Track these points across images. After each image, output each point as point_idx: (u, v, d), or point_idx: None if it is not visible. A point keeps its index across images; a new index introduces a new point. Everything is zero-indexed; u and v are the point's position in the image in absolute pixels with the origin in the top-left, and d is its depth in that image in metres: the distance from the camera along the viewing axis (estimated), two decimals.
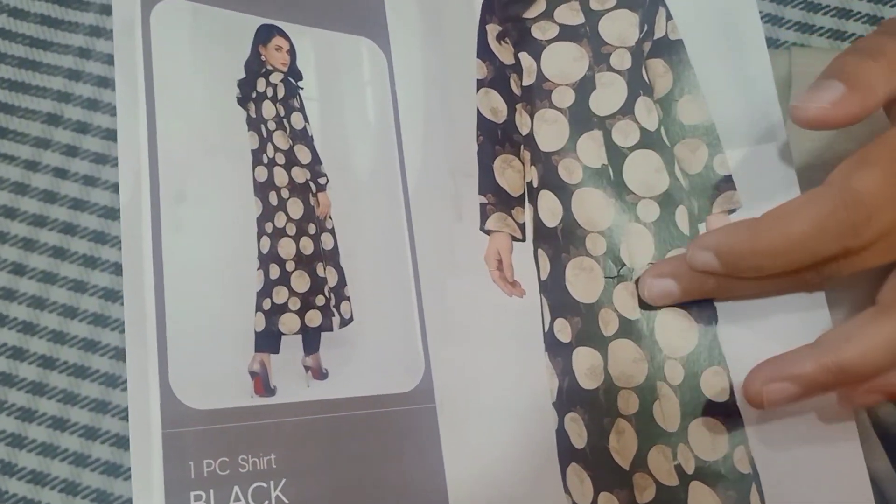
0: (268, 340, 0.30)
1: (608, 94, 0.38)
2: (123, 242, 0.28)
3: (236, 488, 0.27)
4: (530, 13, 0.40)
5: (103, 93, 0.33)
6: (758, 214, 0.37)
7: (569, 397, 0.35)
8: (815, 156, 0.42)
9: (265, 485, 0.28)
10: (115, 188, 0.32)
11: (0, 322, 0.32)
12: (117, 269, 0.31)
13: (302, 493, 0.28)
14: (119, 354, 0.31)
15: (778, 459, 0.35)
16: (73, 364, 0.32)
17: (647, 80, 0.39)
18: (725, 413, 0.35)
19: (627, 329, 0.36)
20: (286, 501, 0.28)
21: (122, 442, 0.30)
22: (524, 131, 0.38)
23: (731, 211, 0.38)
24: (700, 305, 0.37)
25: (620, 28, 0.39)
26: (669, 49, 0.39)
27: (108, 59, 0.35)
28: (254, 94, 0.32)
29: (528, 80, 0.39)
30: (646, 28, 0.39)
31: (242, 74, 0.30)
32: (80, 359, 0.31)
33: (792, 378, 0.30)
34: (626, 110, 0.38)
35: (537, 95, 0.38)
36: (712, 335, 0.37)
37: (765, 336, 0.37)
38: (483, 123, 0.38)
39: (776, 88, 0.39)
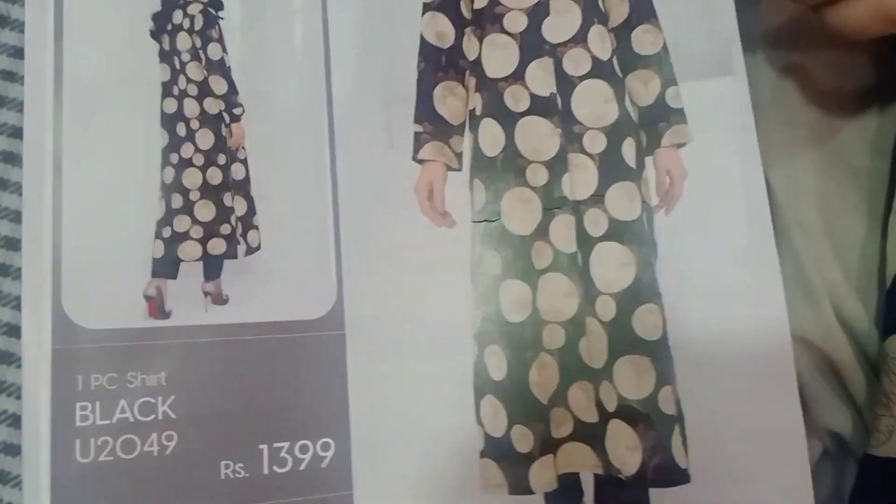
0: (165, 266, 0.31)
1: (562, 21, 0.36)
2: (25, 161, 0.29)
3: (123, 402, 0.29)
4: None
5: (12, 8, 0.33)
6: (710, 148, 0.35)
7: (492, 329, 0.34)
8: (773, 90, 0.39)
9: (153, 400, 0.29)
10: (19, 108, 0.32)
11: None
12: (17, 216, 0.32)
13: (190, 409, 0.30)
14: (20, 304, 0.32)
15: (709, 401, 0.33)
16: None
17: (603, 9, 0.37)
18: (656, 352, 0.34)
19: (561, 263, 0.35)
20: (174, 416, 0.29)
21: (5, 357, 0.32)
22: (471, 56, 0.37)
23: (681, 145, 0.35)
24: (640, 240, 0.35)
25: None
26: None
27: None
28: (169, 27, 0.32)
29: (479, 3, 0.37)
30: None
31: (158, 7, 0.31)
32: None
33: None
34: (579, 38, 0.36)
35: (488, 19, 0.37)
36: (650, 272, 0.35)
37: (708, 271, 0.35)
38: (426, 49, 0.37)
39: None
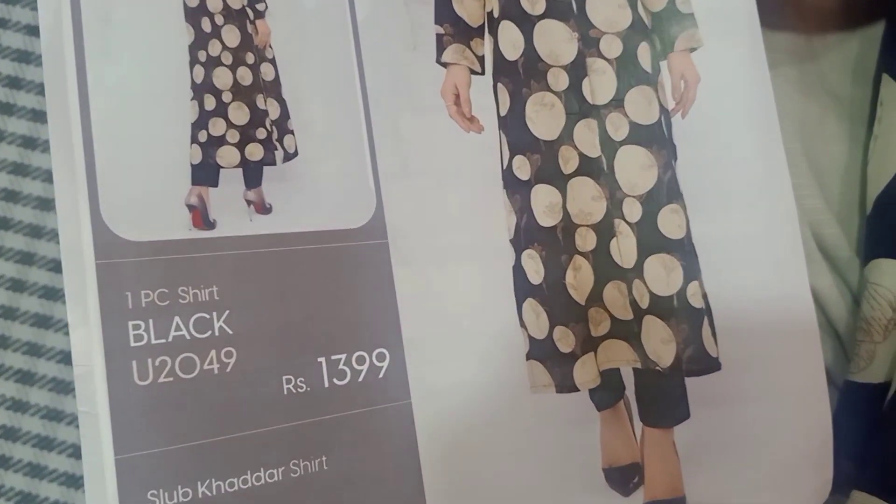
0: (205, 173, 0.28)
1: None
2: (45, 66, 0.26)
3: (177, 318, 0.26)
4: None
5: None
6: (721, 54, 0.36)
7: (526, 234, 0.34)
8: (797, 12, 0.40)
9: (207, 315, 0.27)
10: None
11: None
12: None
13: (246, 324, 0.28)
14: (43, 204, 0.29)
15: (730, 298, 0.35)
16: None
17: None
18: (681, 250, 0.35)
19: (587, 166, 0.35)
20: (230, 332, 0.27)
21: (50, 293, 0.29)
22: None
23: (693, 49, 0.36)
24: (660, 143, 0.35)
25: None
26: None
27: None
28: None
29: None
30: None
31: None
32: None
33: None
34: None
35: None
36: (671, 173, 0.35)
37: (723, 173, 0.36)
38: None
39: None
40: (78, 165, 0.26)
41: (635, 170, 0.35)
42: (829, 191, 0.38)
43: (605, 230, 0.35)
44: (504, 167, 0.34)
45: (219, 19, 0.29)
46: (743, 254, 0.35)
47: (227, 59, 0.29)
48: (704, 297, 0.35)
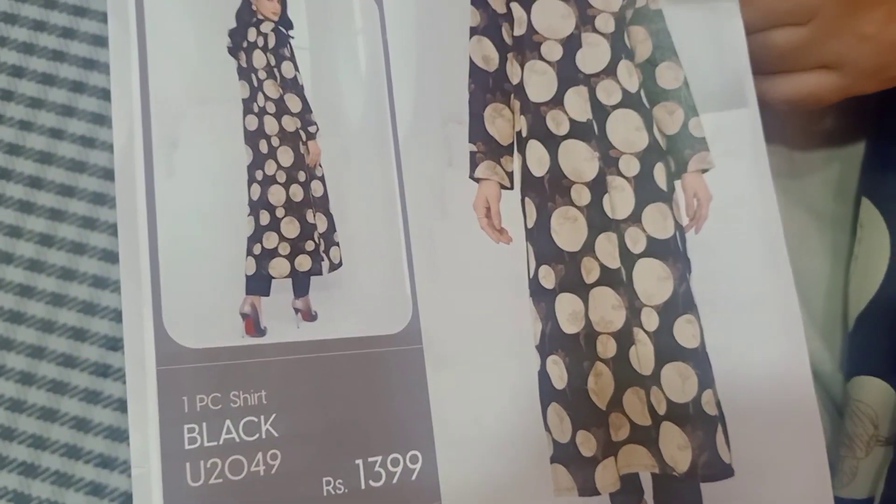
0: (258, 283, 0.30)
1: (593, 54, 0.38)
2: (117, 187, 0.28)
3: (228, 422, 0.28)
4: None
5: (99, 52, 0.33)
6: (730, 174, 0.38)
7: (551, 341, 0.36)
8: (778, 135, 0.43)
9: (255, 419, 0.28)
10: (111, 149, 0.32)
11: None
12: (115, 230, 0.31)
13: (292, 427, 0.29)
14: (117, 316, 0.31)
15: (741, 403, 0.36)
16: (71, 326, 0.32)
17: (629, 45, 0.39)
18: (695, 359, 0.36)
19: (608, 277, 0.37)
20: (276, 434, 0.29)
21: (121, 406, 0.31)
22: (514, 81, 0.38)
23: (705, 170, 0.38)
24: (675, 257, 0.37)
25: None
26: (650, 17, 0.39)
27: (103, 18, 0.34)
28: (244, 44, 0.32)
29: (518, 30, 0.38)
30: None
31: (233, 24, 0.30)
32: (78, 321, 0.32)
33: None
34: (610, 71, 0.38)
35: (527, 46, 0.38)
36: (686, 285, 0.37)
37: (733, 288, 0.37)
38: (475, 71, 0.38)
39: None
40: (144, 278, 0.28)
41: (652, 281, 0.37)
42: (812, 306, 0.40)
43: (624, 338, 0.36)
44: (531, 276, 0.36)
45: (275, 141, 0.32)
46: (753, 363, 0.37)
47: (282, 177, 0.31)
48: (718, 404, 0.36)
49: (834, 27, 0.35)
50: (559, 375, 0.35)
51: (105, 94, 0.32)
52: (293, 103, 0.32)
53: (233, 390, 0.28)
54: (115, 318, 0.30)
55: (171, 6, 0.31)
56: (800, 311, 0.38)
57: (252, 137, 0.31)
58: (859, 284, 0.39)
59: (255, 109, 0.31)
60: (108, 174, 0.32)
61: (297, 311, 0.31)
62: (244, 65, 0.32)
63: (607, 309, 0.37)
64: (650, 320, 0.37)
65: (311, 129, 0.33)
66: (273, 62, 0.32)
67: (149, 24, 0.30)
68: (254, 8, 0.32)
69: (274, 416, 0.29)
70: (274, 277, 0.30)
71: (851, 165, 0.42)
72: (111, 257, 0.30)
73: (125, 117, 0.28)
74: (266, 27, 0.32)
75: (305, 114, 0.33)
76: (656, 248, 0.37)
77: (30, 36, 0.33)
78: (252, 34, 0.32)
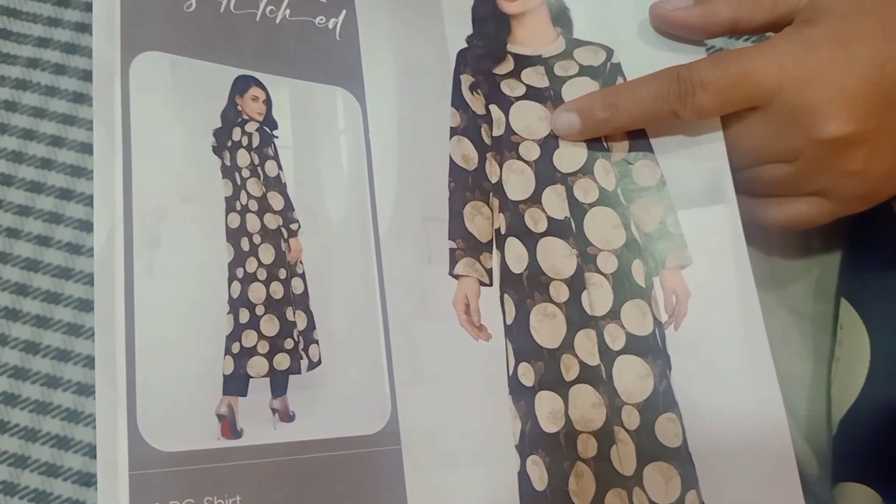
0: (236, 383, 0.30)
1: (570, 153, 0.40)
2: (96, 284, 0.28)
3: None
4: (500, 70, 0.41)
5: (87, 159, 0.34)
6: (709, 270, 0.39)
7: (531, 440, 0.36)
8: (757, 235, 0.44)
9: None
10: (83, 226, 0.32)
11: None
12: (81, 304, 0.32)
13: None
14: (82, 389, 0.31)
15: (727, 502, 0.36)
16: (34, 400, 0.32)
17: (606, 145, 0.40)
18: (678, 458, 0.36)
19: (587, 374, 0.37)
20: None
21: (85, 478, 0.30)
22: (493, 179, 0.39)
23: (682, 266, 0.39)
24: (655, 353, 0.38)
25: (581, 94, 0.40)
26: None
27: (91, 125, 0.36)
28: (229, 143, 0.33)
29: (497, 131, 0.40)
30: None
31: (219, 124, 0.31)
32: (41, 395, 0.32)
33: (578, 110, 0.37)
34: (587, 170, 0.40)
35: (506, 146, 0.40)
36: (666, 382, 0.37)
37: (714, 383, 0.38)
38: (455, 170, 0.39)
39: None
40: (119, 379, 0.27)
41: (632, 378, 0.37)
42: (796, 409, 0.40)
43: (605, 437, 0.36)
44: (510, 374, 0.37)
45: (256, 238, 0.32)
46: (737, 466, 0.37)
47: (262, 274, 0.32)
48: None
49: (819, 166, 0.36)
50: (539, 476, 0.35)
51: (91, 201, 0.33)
52: (276, 201, 0.33)
53: (207, 496, 0.28)
54: (78, 391, 0.30)
55: (157, 106, 0.32)
56: (782, 404, 0.38)
57: (234, 235, 0.32)
58: (841, 387, 0.39)
59: (238, 207, 0.32)
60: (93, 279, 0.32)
61: (274, 411, 0.31)
62: (228, 163, 0.32)
63: (587, 407, 0.37)
64: (631, 419, 0.37)
65: (293, 226, 0.33)
66: (257, 161, 0.33)
67: (134, 125, 0.31)
68: (239, 108, 0.33)
69: None
70: (252, 377, 0.30)
71: (830, 266, 0.43)
72: (76, 331, 0.31)
73: (107, 216, 0.29)
74: (251, 127, 0.33)
75: (287, 211, 0.33)
76: (636, 345, 0.38)
77: (19, 145, 0.34)
78: (237, 133, 0.33)
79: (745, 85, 0.36)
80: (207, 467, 0.28)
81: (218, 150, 0.32)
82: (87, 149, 0.36)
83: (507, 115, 0.40)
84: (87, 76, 0.37)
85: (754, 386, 0.38)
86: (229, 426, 0.29)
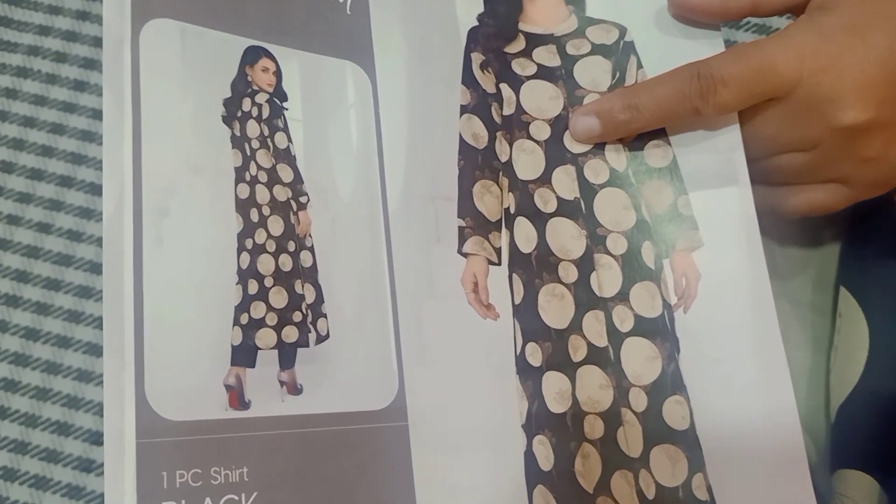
0: (244, 354, 0.30)
1: None
2: (105, 253, 0.28)
3: (208, 499, 0.27)
4: (511, 48, 0.41)
5: (98, 125, 0.35)
6: (721, 253, 0.39)
7: (537, 420, 0.36)
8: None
9: (236, 497, 0.28)
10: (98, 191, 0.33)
11: None
12: (93, 267, 0.32)
13: None
14: (82, 376, 0.31)
15: (734, 489, 0.36)
16: (45, 360, 0.32)
17: None
18: (685, 441, 0.36)
19: (595, 356, 0.37)
20: None
21: (85, 464, 0.31)
22: (503, 158, 0.39)
23: (693, 249, 0.39)
24: (664, 336, 0.38)
25: (594, 73, 0.41)
26: None
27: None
28: (239, 114, 0.33)
29: (507, 110, 0.40)
30: (617, 75, 0.41)
31: (228, 94, 0.31)
32: (52, 355, 0.32)
33: (598, 113, 0.37)
34: (598, 150, 0.40)
35: (516, 126, 0.39)
36: (675, 365, 0.37)
37: (723, 367, 0.38)
38: (464, 148, 0.39)
39: None
40: (128, 346, 0.27)
41: (640, 360, 0.37)
42: (796, 397, 0.40)
43: (612, 418, 0.36)
44: (517, 353, 0.37)
45: (266, 210, 0.32)
46: (746, 451, 0.37)
47: (272, 246, 0.32)
48: (709, 489, 0.36)
49: (837, 154, 0.36)
50: (546, 456, 0.35)
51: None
52: (285, 173, 0.33)
53: (214, 466, 0.28)
54: (90, 351, 0.30)
55: (166, 74, 0.31)
56: (793, 392, 0.38)
57: (243, 205, 0.32)
58: (840, 375, 0.39)
59: (247, 178, 0.32)
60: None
61: (282, 383, 0.30)
62: (238, 133, 0.32)
63: (595, 388, 0.37)
64: (638, 401, 0.37)
65: (302, 199, 0.33)
66: (267, 132, 0.33)
67: (143, 93, 0.30)
68: (249, 79, 0.33)
69: (255, 494, 0.28)
70: (260, 348, 0.30)
71: (830, 255, 0.43)
72: (87, 293, 0.31)
73: (116, 184, 0.29)
74: (261, 98, 0.33)
75: (297, 184, 0.33)
76: (644, 327, 0.38)
77: (20, 132, 0.35)
78: (247, 104, 0.33)
79: (766, 78, 0.36)
80: (214, 437, 0.28)
81: (228, 120, 0.32)
82: (87, 136, 0.36)
83: (517, 94, 0.40)
84: (87, 64, 0.38)
85: (763, 370, 0.38)
86: (237, 397, 0.29)
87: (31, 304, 0.33)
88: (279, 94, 0.34)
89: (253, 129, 0.33)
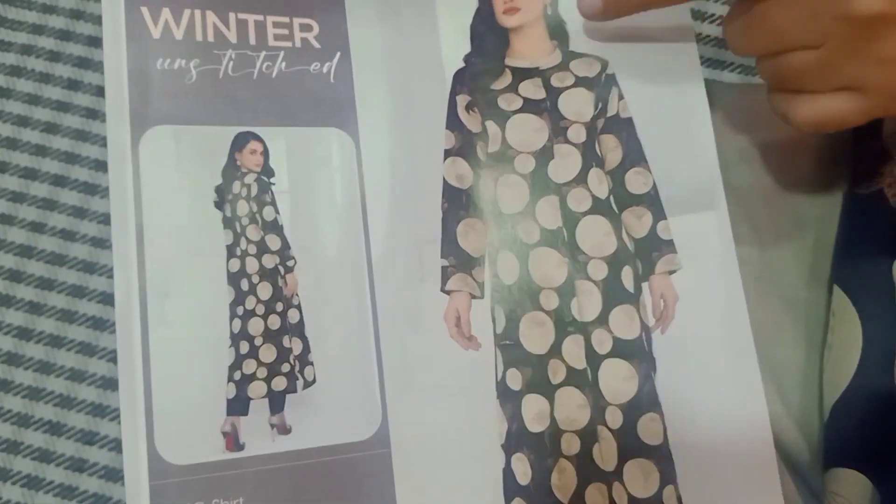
0: (237, 405, 0.36)
1: (565, 164, 0.42)
2: (118, 334, 0.35)
3: None
4: (497, 84, 0.43)
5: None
6: (698, 275, 0.40)
7: (517, 439, 0.40)
8: (750, 224, 0.44)
9: None
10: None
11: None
12: (86, 266, 0.38)
13: None
14: (85, 349, 0.38)
15: (705, 498, 0.38)
16: (37, 360, 0.38)
17: (600, 154, 0.42)
18: (657, 455, 0.39)
19: (574, 377, 0.40)
20: None
21: (88, 437, 0.37)
22: (487, 195, 0.42)
23: (672, 272, 0.41)
24: (641, 357, 0.40)
25: (577, 104, 0.43)
26: (620, 126, 0.42)
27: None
28: (229, 196, 0.38)
29: (493, 146, 0.43)
30: (600, 106, 0.42)
31: (220, 180, 0.36)
32: (45, 354, 0.38)
33: None
34: (580, 179, 0.42)
35: (501, 161, 0.42)
36: (650, 384, 0.40)
37: (699, 384, 0.40)
38: (448, 190, 0.42)
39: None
40: (138, 406, 0.35)
41: (618, 381, 0.40)
42: (788, 396, 0.41)
43: (588, 436, 0.40)
44: (498, 379, 0.40)
45: (255, 278, 0.38)
46: (718, 463, 0.39)
47: (261, 310, 0.38)
48: (679, 499, 0.39)
49: (847, 50, 0.34)
50: (523, 472, 0.39)
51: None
52: (273, 242, 0.39)
53: (214, 498, 0.35)
54: (116, 448, 0.37)
55: (164, 173, 0.38)
56: (767, 409, 0.40)
57: (234, 278, 0.38)
58: (833, 374, 0.40)
59: (238, 253, 0.38)
60: (98, 323, 0.39)
61: (273, 426, 0.37)
62: (228, 215, 0.38)
63: (572, 408, 0.40)
64: (615, 418, 0.40)
65: (290, 263, 0.39)
66: (255, 209, 0.39)
67: (145, 192, 0.37)
68: (238, 163, 0.39)
69: None
70: (252, 398, 0.37)
71: (823, 253, 0.43)
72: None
73: (124, 276, 0.36)
74: (249, 178, 0.39)
75: (284, 250, 0.39)
76: (622, 349, 0.41)
77: (13, 131, 0.40)
78: (236, 187, 0.38)
79: None
80: (215, 475, 0.35)
81: (219, 205, 0.38)
82: (81, 136, 0.40)
83: (503, 129, 0.43)
84: (81, 63, 0.41)
85: (738, 388, 0.40)
86: (233, 441, 0.36)
87: (23, 304, 0.37)
88: (266, 172, 0.39)
89: (242, 208, 0.38)
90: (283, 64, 0.41)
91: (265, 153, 0.39)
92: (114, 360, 0.37)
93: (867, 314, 0.39)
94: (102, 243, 0.39)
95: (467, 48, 0.44)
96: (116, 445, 0.37)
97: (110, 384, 0.37)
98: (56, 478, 0.35)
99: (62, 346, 0.37)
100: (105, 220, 0.39)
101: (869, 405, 0.38)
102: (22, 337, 0.37)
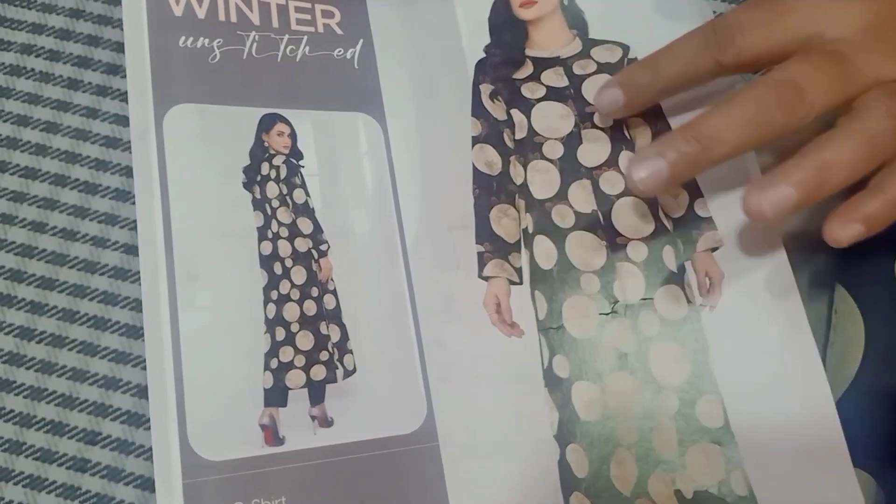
0: (276, 396, 0.33)
1: (594, 148, 0.41)
2: (145, 317, 0.32)
3: None
4: (519, 74, 0.42)
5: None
6: (743, 250, 0.39)
7: (569, 429, 0.37)
8: None
9: None
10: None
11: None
12: (87, 266, 0.36)
13: None
14: (87, 349, 0.35)
15: (774, 482, 0.36)
16: (39, 360, 0.36)
17: (629, 136, 0.41)
18: (720, 438, 0.37)
19: (623, 362, 0.38)
20: None
21: (90, 437, 0.35)
22: (518, 181, 0.41)
23: (714, 249, 0.39)
24: (692, 334, 0.38)
25: None
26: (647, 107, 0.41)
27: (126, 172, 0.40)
28: (258, 178, 0.36)
29: (520, 134, 0.41)
30: None
31: (248, 161, 0.34)
32: (46, 354, 0.36)
33: (619, 83, 0.38)
34: (611, 162, 0.41)
35: (529, 148, 0.41)
36: (704, 364, 0.38)
37: (754, 361, 0.38)
38: (478, 177, 0.40)
39: None
40: (170, 397, 0.31)
41: (668, 363, 0.38)
42: None
43: (644, 422, 0.37)
44: (545, 367, 0.38)
45: (288, 262, 0.35)
46: (783, 443, 0.37)
47: (296, 294, 0.35)
48: (748, 485, 0.36)
49: None
50: (580, 463, 0.37)
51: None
52: (305, 226, 0.36)
53: (254, 498, 0.31)
54: (119, 448, 0.34)
55: (189, 153, 0.35)
56: (827, 382, 0.38)
57: (267, 261, 0.35)
58: (836, 372, 0.39)
59: (269, 235, 0.35)
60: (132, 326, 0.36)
61: (313, 418, 0.33)
62: (258, 196, 0.36)
63: (625, 394, 0.38)
64: (670, 402, 0.38)
65: (323, 247, 0.36)
66: (285, 191, 0.36)
67: (170, 172, 0.34)
68: (266, 144, 0.37)
69: None
70: (291, 388, 0.34)
71: (826, 251, 0.42)
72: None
73: (150, 257, 0.33)
74: (278, 160, 0.37)
75: (317, 234, 0.36)
76: (670, 330, 0.39)
77: (13, 131, 0.38)
78: (265, 168, 0.36)
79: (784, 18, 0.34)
80: (253, 473, 0.31)
81: (248, 186, 0.36)
82: (81, 135, 0.39)
83: (528, 117, 0.42)
84: (81, 62, 0.40)
85: (796, 361, 0.38)
86: (272, 435, 0.32)
87: (25, 304, 0.35)
88: (295, 154, 0.37)
89: (272, 190, 0.36)
90: (307, 48, 0.39)
91: (293, 135, 0.37)
92: (116, 359, 0.35)
93: (870, 312, 0.38)
94: (104, 242, 0.37)
95: (487, 38, 0.43)
96: (119, 445, 0.34)
97: (112, 384, 0.35)
98: (58, 478, 0.32)
99: (64, 346, 0.34)
100: (106, 219, 0.37)
101: (872, 404, 0.37)
102: (23, 337, 0.34)
